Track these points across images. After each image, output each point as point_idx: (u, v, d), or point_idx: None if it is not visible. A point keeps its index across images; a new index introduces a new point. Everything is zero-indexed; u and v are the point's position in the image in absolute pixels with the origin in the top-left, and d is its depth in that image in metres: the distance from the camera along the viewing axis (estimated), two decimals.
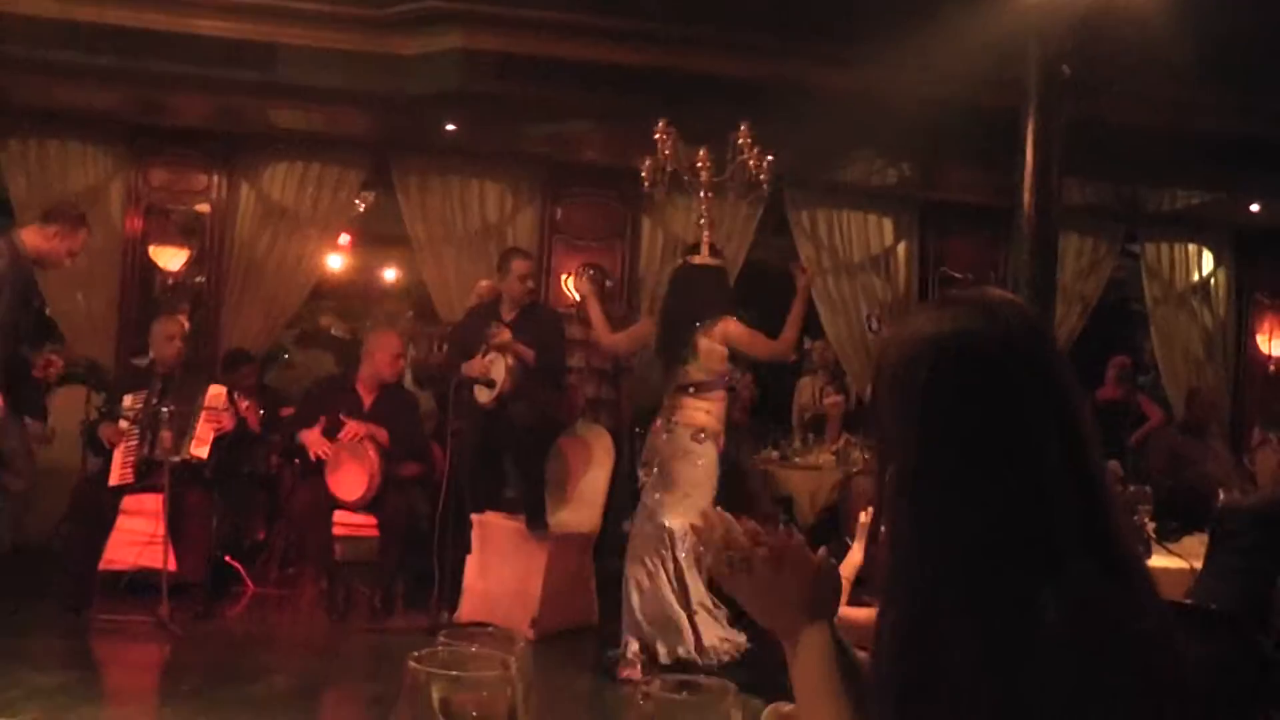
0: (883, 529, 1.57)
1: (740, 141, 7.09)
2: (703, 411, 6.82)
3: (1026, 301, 5.34)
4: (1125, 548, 1.48)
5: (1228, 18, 7.08)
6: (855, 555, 3.37)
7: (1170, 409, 11.22)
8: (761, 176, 7.17)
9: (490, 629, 1.56)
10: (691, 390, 6.81)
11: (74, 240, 7.36)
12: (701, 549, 1.74)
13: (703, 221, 7.34)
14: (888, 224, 11.07)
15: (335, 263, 12.27)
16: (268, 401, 8.94)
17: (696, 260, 7.19)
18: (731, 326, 6.87)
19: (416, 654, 1.32)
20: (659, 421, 6.91)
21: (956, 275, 10.98)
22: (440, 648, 1.39)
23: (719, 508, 1.80)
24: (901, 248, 11.14)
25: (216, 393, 7.73)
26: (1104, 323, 11.98)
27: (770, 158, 7.11)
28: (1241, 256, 11.84)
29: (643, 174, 7.23)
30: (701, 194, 7.30)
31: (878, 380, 1.61)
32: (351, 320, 14.34)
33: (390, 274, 15.08)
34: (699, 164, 7.21)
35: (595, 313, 7.47)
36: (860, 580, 3.19)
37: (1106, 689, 1.34)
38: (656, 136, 7.16)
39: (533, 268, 8.26)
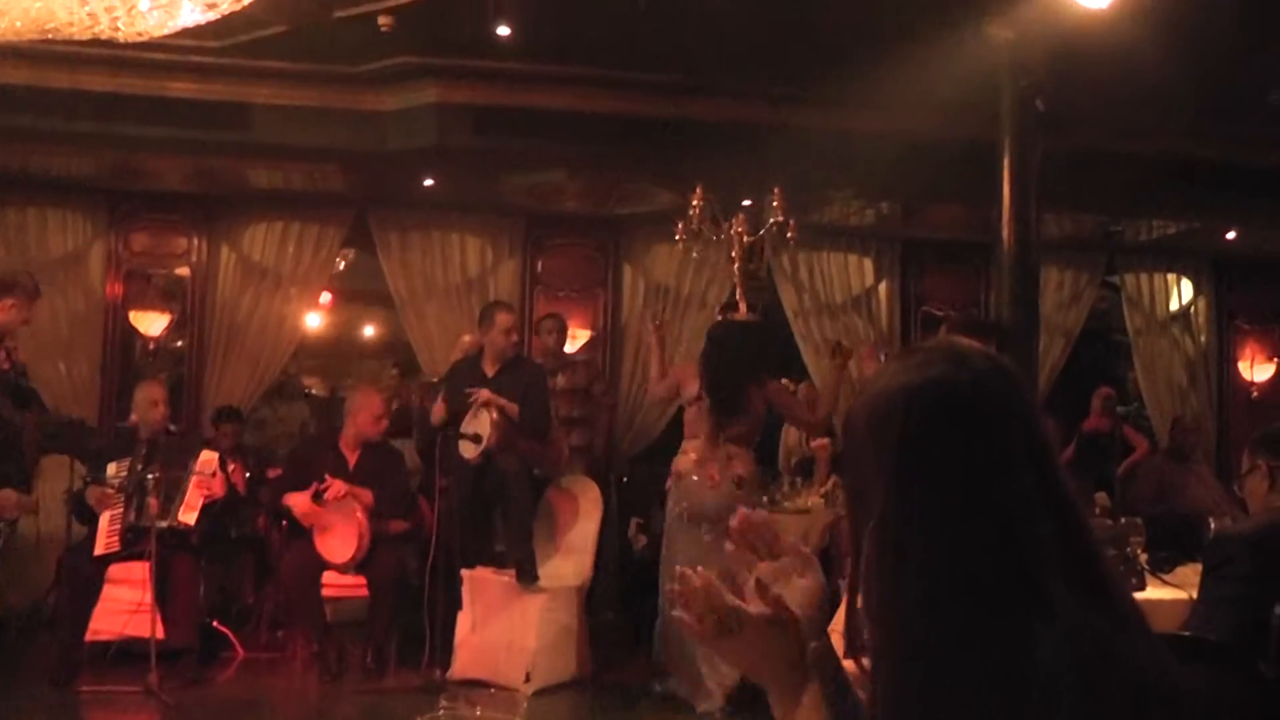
0: (863, 584, 1.56)
1: (775, 204, 7.65)
2: (751, 460, 6.98)
3: (1010, 334, 5.35)
4: (1110, 579, 1.48)
5: (1199, 45, 7.12)
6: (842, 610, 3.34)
7: (1155, 438, 11.26)
8: (789, 235, 7.73)
9: (492, 690, 1.54)
10: (742, 441, 6.90)
11: (30, 310, 7.34)
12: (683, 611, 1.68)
13: (736, 280, 7.84)
14: (868, 264, 11.10)
15: (314, 321, 12.24)
16: (251, 462, 8.89)
17: (737, 317, 7.40)
18: (776, 388, 7.16)
19: (421, 719, 1.30)
20: (708, 474, 6.90)
21: (939, 314, 11.00)
22: (443, 712, 1.37)
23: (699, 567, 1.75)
24: (883, 287, 11.17)
25: (208, 459, 7.65)
26: (1087, 354, 12.02)
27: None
28: (1220, 284, 11.93)
29: (677, 237, 7.75)
30: (733, 253, 7.79)
31: (850, 440, 1.60)
32: (331, 379, 14.32)
33: (368, 330, 15.08)
34: (737, 226, 7.76)
35: (657, 358, 7.73)
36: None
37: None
38: (694, 202, 7.66)
39: (516, 321, 8.26)
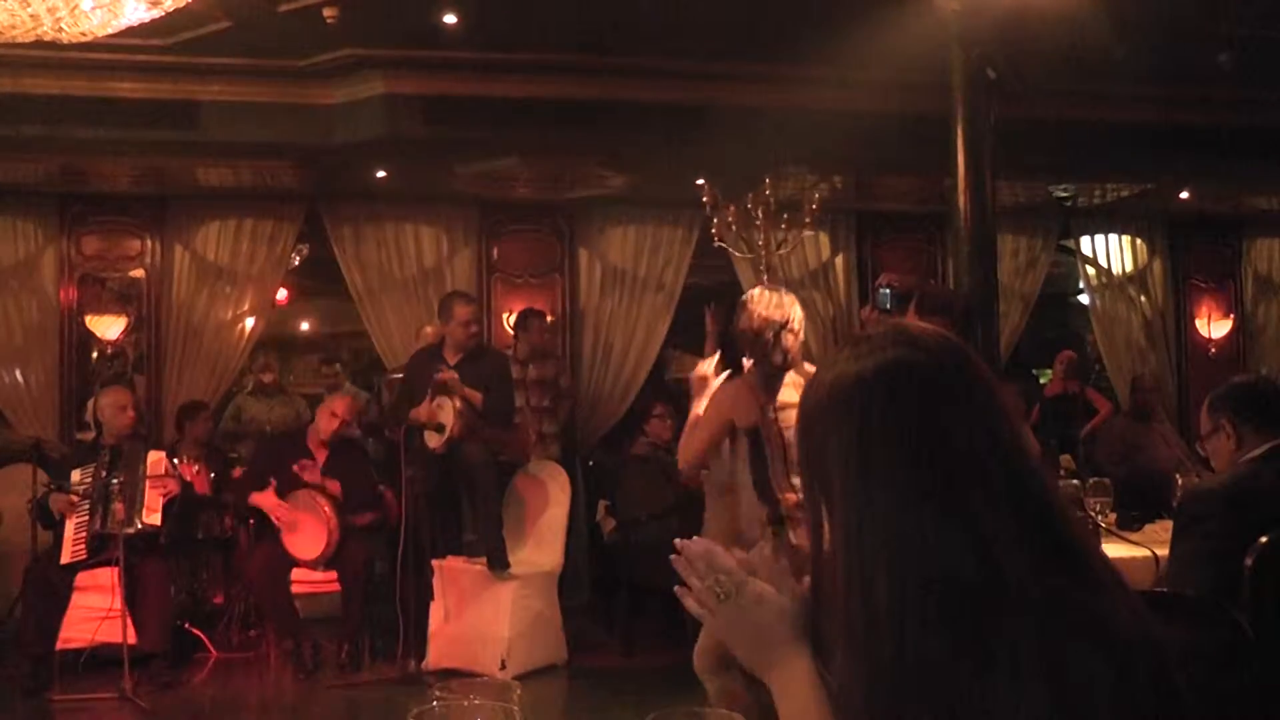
0: (828, 582, 1.53)
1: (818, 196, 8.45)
2: None
3: (969, 303, 5.34)
4: (1080, 543, 1.46)
5: (1147, 8, 7.15)
6: None
7: (1116, 398, 11.33)
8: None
9: (484, 679, 1.53)
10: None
11: None
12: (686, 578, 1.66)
13: (762, 267, 8.48)
14: (824, 237, 11.09)
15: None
16: (217, 461, 8.81)
17: None
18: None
19: (417, 711, 1.28)
20: None
21: (895, 285, 11.01)
22: (437, 703, 1.35)
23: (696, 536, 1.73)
24: (839, 260, 11.18)
25: (156, 459, 7.61)
26: (1046, 318, 12.08)
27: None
28: (1175, 243, 12.02)
29: (713, 231, 8.59)
30: (760, 241, 8.47)
31: (806, 434, 1.56)
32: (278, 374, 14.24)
33: (305, 325, 15.05)
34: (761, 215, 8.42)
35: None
36: None
37: (1086, 704, 1.33)
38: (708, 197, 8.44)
39: (476, 312, 8.22)
